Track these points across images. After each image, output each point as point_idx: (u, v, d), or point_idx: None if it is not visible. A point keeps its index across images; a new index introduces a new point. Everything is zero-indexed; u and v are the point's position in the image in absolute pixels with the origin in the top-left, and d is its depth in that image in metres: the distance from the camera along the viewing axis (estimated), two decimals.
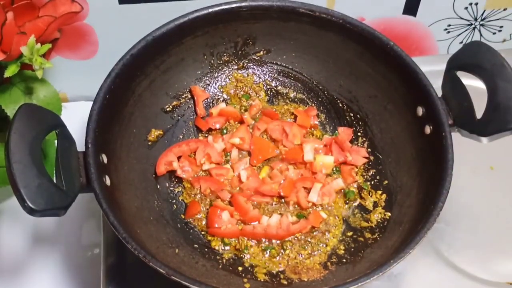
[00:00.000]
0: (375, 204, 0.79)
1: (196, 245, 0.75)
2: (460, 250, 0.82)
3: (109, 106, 0.71)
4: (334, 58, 0.84)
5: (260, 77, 0.88)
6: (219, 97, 0.87)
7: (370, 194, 0.80)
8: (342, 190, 0.81)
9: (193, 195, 0.79)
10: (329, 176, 0.82)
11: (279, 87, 0.88)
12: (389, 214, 0.77)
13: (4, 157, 0.58)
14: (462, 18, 1.01)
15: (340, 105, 0.86)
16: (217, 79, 0.87)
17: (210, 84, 0.87)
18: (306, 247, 0.76)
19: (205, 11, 0.78)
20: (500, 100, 0.68)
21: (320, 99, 0.87)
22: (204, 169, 0.81)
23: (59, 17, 0.71)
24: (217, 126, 0.84)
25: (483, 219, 0.85)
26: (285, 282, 0.72)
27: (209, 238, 0.76)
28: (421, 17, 1.00)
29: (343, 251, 0.75)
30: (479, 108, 0.71)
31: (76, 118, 0.78)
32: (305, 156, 0.81)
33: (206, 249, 0.75)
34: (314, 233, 0.77)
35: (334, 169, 0.82)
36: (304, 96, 0.88)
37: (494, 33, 1.06)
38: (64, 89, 1.00)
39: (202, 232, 0.77)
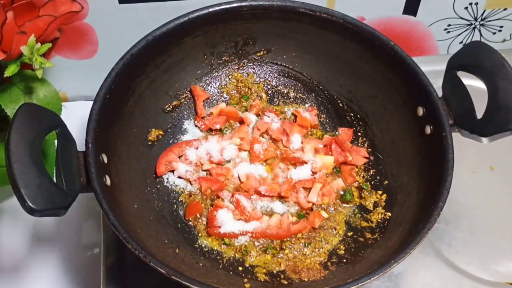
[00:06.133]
0: (376, 204, 0.79)
1: (196, 245, 0.75)
2: (460, 250, 0.82)
3: (109, 105, 0.71)
4: (334, 58, 0.84)
5: (260, 77, 0.88)
6: (219, 97, 0.87)
7: (370, 194, 0.80)
8: (343, 190, 0.81)
9: (193, 195, 0.79)
10: (329, 176, 0.82)
11: (279, 87, 0.88)
12: (389, 214, 0.77)
13: (4, 157, 0.58)
14: (462, 18, 1.01)
15: (340, 105, 0.86)
16: (217, 79, 0.87)
17: (210, 84, 0.87)
18: (307, 247, 0.76)
19: (205, 11, 0.78)
20: (500, 100, 0.68)
21: (320, 99, 0.87)
22: (204, 169, 0.81)
23: (59, 16, 0.71)
24: (217, 126, 0.84)
25: (483, 219, 0.85)
26: (286, 282, 0.72)
27: (210, 238, 0.76)
28: (421, 17, 1.00)
29: (343, 251, 0.75)
30: (480, 108, 0.71)
31: (76, 117, 0.78)
32: (305, 156, 0.81)
33: (206, 249, 0.75)
34: (315, 233, 0.77)
35: (334, 169, 0.82)
36: (304, 96, 0.88)
37: (494, 33, 1.06)
38: (64, 89, 1.00)
39: (202, 232, 0.77)
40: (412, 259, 0.65)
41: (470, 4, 0.98)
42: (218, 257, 0.75)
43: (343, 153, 0.82)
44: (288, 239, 0.76)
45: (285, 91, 0.88)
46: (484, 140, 0.71)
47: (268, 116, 0.85)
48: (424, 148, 0.75)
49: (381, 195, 0.79)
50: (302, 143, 0.83)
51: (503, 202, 0.87)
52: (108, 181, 0.68)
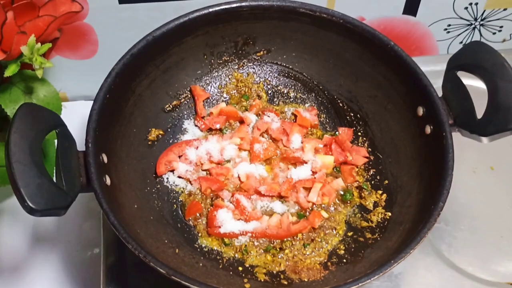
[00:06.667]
0: (376, 204, 0.79)
1: (196, 245, 0.75)
2: (460, 250, 0.82)
3: (109, 105, 0.71)
4: (334, 58, 0.84)
5: (260, 77, 0.88)
6: (219, 97, 0.87)
7: (370, 194, 0.80)
8: (343, 190, 0.81)
9: (193, 195, 0.79)
10: (329, 176, 0.82)
11: (279, 87, 0.88)
12: (389, 214, 0.77)
13: (4, 157, 0.58)
14: (462, 18, 1.01)
15: (340, 105, 0.86)
16: (217, 78, 0.87)
17: (210, 84, 0.87)
18: (307, 247, 0.76)
19: (205, 11, 0.78)
20: (500, 100, 0.68)
21: (320, 99, 0.87)
22: (204, 168, 0.81)
23: (59, 16, 0.71)
24: (217, 126, 0.84)
25: (483, 219, 0.85)
26: (286, 282, 0.72)
27: (210, 238, 0.76)
28: (421, 17, 1.00)
29: (343, 251, 0.75)
30: (480, 108, 0.71)
31: (76, 117, 0.78)
32: (305, 156, 0.81)
33: (206, 249, 0.75)
34: (315, 233, 0.77)
35: (334, 169, 0.82)
36: (304, 96, 0.88)
37: (494, 33, 1.06)
38: (64, 89, 1.00)
39: (203, 232, 0.77)
40: (412, 259, 0.65)
41: (470, 4, 0.98)
42: (218, 257, 0.75)
43: (343, 153, 0.82)
44: (288, 239, 0.76)
45: (285, 91, 0.88)
46: (484, 140, 0.71)
47: (268, 116, 0.85)
48: (424, 148, 0.75)
49: (381, 195, 0.79)
50: (302, 143, 0.83)
51: (503, 202, 0.87)
52: (108, 181, 0.68)
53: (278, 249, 0.75)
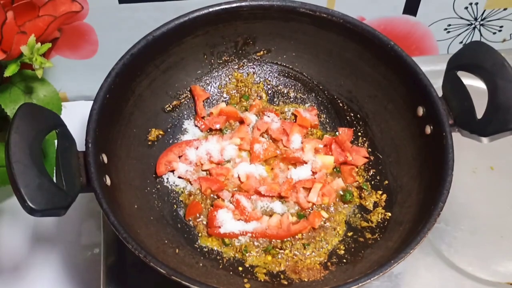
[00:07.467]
0: (376, 204, 0.79)
1: (196, 245, 0.75)
2: (460, 250, 0.82)
3: (109, 105, 0.71)
4: (334, 58, 0.84)
5: (260, 77, 0.88)
6: (219, 97, 0.87)
7: (370, 194, 0.80)
8: (343, 190, 0.81)
9: (193, 195, 0.79)
10: (329, 176, 0.82)
11: (280, 87, 0.88)
12: (389, 214, 0.77)
13: (4, 157, 0.58)
14: (462, 18, 1.01)
15: (340, 105, 0.86)
16: (217, 78, 0.87)
17: (210, 84, 0.87)
18: (307, 247, 0.76)
19: (205, 11, 0.78)
20: (500, 100, 0.68)
21: (320, 99, 0.87)
22: (204, 169, 0.81)
23: (59, 16, 0.71)
24: (217, 126, 0.84)
25: (483, 219, 0.85)
26: (286, 282, 0.72)
27: (210, 238, 0.76)
28: (421, 17, 1.00)
29: (343, 251, 0.75)
30: (480, 108, 0.71)
31: (76, 117, 0.78)
32: (305, 156, 0.81)
33: (206, 249, 0.75)
34: (315, 233, 0.77)
35: (334, 169, 0.82)
36: (304, 96, 0.88)
37: (494, 33, 1.06)
38: (64, 89, 1.00)
39: (202, 232, 0.77)
40: (412, 259, 0.65)
41: (470, 4, 0.98)
42: (218, 257, 0.75)
43: (343, 153, 0.82)
44: (288, 239, 0.76)
45: (285, 91, 0.88)
46: (484, 140, 0.71)
47: (268, 116, 0.85)
48: (424, 148, 0.75)
49: (381, 195, 0.79)
50: (302, 143, 0.83)
51: (503, 202, 0.87)
52: (108, 181, 0.68)
53: (278, 249, 0.75)
